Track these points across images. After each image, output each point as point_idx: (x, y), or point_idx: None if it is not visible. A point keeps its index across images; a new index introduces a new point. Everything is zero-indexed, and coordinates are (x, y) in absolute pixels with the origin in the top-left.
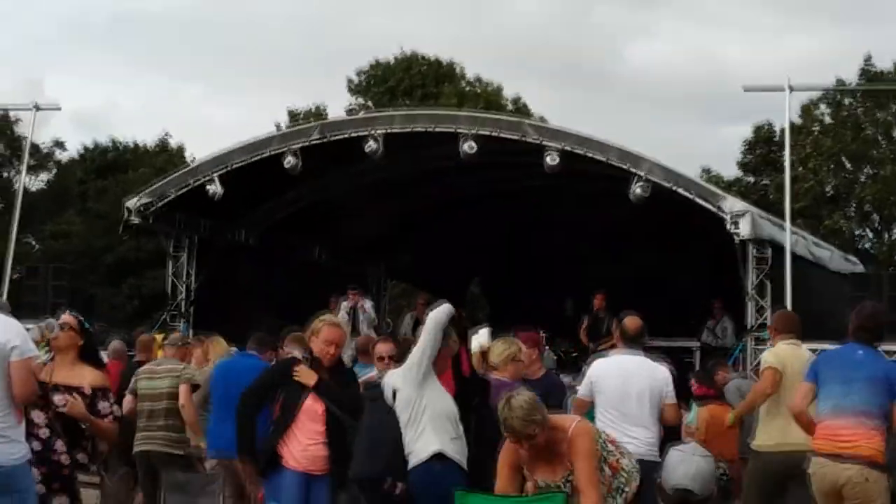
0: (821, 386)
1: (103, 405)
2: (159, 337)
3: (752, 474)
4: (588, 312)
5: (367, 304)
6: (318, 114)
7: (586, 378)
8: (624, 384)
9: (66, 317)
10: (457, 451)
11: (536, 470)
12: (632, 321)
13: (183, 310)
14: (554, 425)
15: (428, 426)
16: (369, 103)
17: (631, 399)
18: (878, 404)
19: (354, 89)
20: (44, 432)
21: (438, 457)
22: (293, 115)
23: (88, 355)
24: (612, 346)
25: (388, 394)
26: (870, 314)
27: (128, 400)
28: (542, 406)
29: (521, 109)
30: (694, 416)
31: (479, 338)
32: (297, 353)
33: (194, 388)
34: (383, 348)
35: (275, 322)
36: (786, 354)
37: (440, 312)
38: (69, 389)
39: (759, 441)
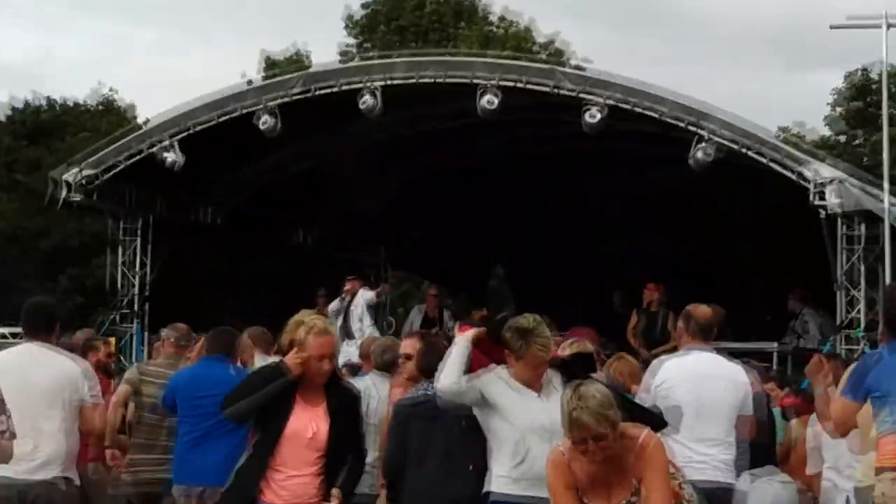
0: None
1: None
2: (103, 346)
3: None
4: (638, 307)
5: (369, 296)
6: (301, 61)
7: (649, 381)
8: (697, 390)
9: None
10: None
11: (594, 493)
12: (702, 310)
13: (135, 308)
14: (622, 432)
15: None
16: (368, 47)
17: (705, 409)
18: None
19: (353, 27)
20: None
21: None
22: (271, 65)
23: None
24: (673, 351)
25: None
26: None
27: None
28: (616, 402)
29: (555, 55)
30: (783, 433)
31: None
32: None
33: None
34: (411, 345)
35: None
36: None
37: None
38: None
39: (863, 475)
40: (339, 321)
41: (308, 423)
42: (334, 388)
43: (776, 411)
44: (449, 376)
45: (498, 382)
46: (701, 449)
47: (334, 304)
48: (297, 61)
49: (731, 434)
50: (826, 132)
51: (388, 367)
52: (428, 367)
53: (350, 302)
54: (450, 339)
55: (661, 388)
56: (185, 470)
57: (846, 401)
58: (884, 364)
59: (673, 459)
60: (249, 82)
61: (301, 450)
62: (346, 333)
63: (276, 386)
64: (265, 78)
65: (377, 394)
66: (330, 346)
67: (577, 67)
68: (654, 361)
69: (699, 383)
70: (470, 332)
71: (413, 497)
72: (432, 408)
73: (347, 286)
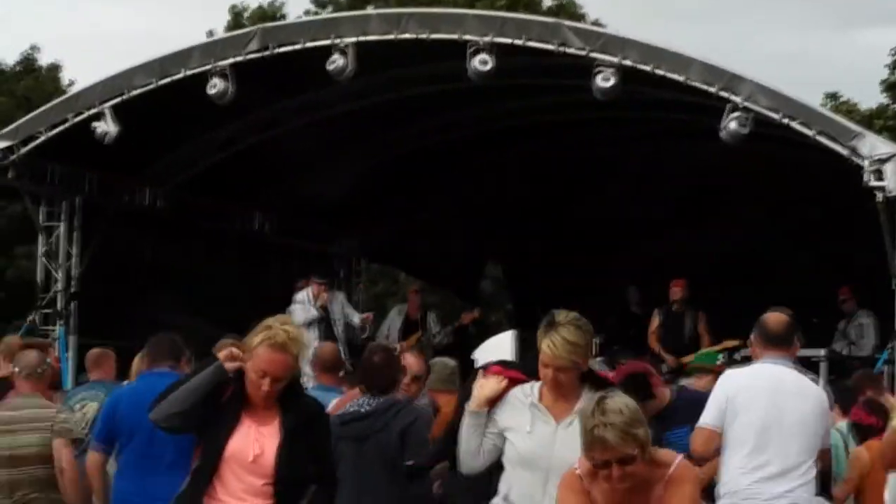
0: None
1: None
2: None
3: None
4: (659, 305)
5: (340, 299)
6: (272, 16)
7: (716, 395)
8: (774, 410)
9: None
10: None
11: None
12: (775, 315)
13: (60, 306)
14: (653, 458)
15: None
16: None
17: (783, 433)
18: None
19: None
20: None
21: None
22: (238, 20)
23: None
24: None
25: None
26: None
27: None
28: (644, 420)
29: (564, 8)
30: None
31: (501, 347)
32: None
33: (75, 442)
34: (415, 364)
35: (196, 327)
36: None
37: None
38: None
39: None
40: (316, 331)
41: (251, 443)
42: (292, 404)
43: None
44: (467, 461)
45: (514, 404)
46: (774, 483)
47: (300, 304)
48: (269, 16)
49: (808, 462)
50: (883, 99)
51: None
52: (375, 381)
53: (326, 310)
54: (434, 347)
55: (732, 403)
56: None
57: None
58: None
59: (730, 495)
60: (210, 33)
61: (243, 475)
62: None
63: (207, 375)
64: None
65: None
66: (279, 367)
67: (593, 24)
68: (722, 376)
69: (777, 402)
70: (485, 392)
71: None
72: (368, 425)
73: (314, 289)
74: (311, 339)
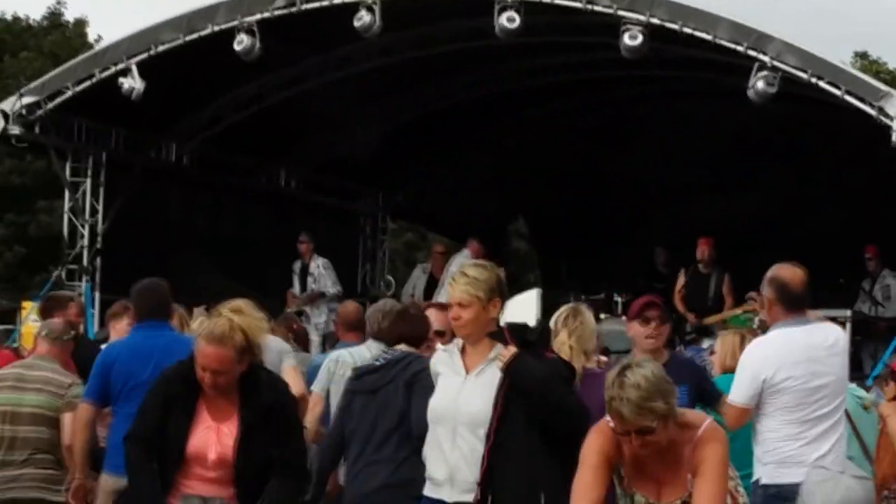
0: None
1: None
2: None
3: None
4: (686, 266)
5: (320, 263)
6: None
7: (750, 374)
8: (812, 376)
9: None
10: None
11: (640, 483)
12: (791, 272)
13: (85, 262)
14: (681, 420)
15: None
16: None
17: (823, 398)
18: None
19: None
20: None
21: None
22: None
23: None
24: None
25: None
26: None
27: None
28: (671, 389)
29: None
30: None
31: (527, 305)
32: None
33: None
34: (438, 320)
35: (224, 282)
36: None
37: None
38: None
39: None
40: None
41: (211, 444)
42: (250, 396)
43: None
44: None
45: (441, 361)
46: (817, 452)
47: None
48: None
49: (842, 418)
50: None
51: (385, 335)
52: (404, 334)
53: (306, 269)
54: None
55: (769, 377)
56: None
57: None
58: None
59: (767, 455)
60: None
61: (204, 472)
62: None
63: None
64: None
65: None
66: (215, 361)
67: None
68: (751, 350)
69: (813, 366)
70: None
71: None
72: (378, 378)
73: (302, 247)
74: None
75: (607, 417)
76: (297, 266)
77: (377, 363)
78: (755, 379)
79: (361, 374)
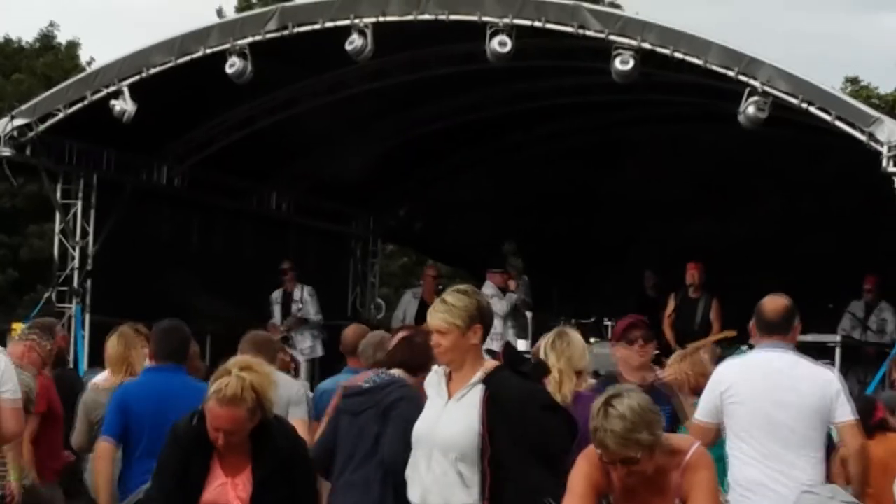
0: None
1: None
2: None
3: None
4: (675, 290)
5: (306, 291)
6: None
7: (711, 389)
8: (772, 397)
9: None
10: None
11: None
12: (771, 300)
13: (76, 284)
14: (668, 446)
15: None
16: None
17: (783, 421)
18: None
19: None
20: None
21: None
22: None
23: None
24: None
25: None
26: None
27: None
28: (657, 419)
29: None
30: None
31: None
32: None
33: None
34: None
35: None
36: None
37: None
38: None
39: None
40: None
41: (229, 498)
42: (263, 451)
43: None
44: None
45: (430, 383)
46: (779, 472)
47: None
48: None
49: (819, 449)
50: None
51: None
52: (405, 360)
53: (290, 297)
54: None
55: (727, 397)
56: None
57: None
58: None
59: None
60: (220, 11)
61: None
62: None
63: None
64: (239, 13)
65: None
66: (227, 422)
67: (612, 6)
68: (716, 369)
69: (775, 390)
70: None
71: None
72: (364, 401)
73: (287, 276)
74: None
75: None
76: (278, 295)
77: (365, 386)
78: (711, 393)
79: (350, 395)
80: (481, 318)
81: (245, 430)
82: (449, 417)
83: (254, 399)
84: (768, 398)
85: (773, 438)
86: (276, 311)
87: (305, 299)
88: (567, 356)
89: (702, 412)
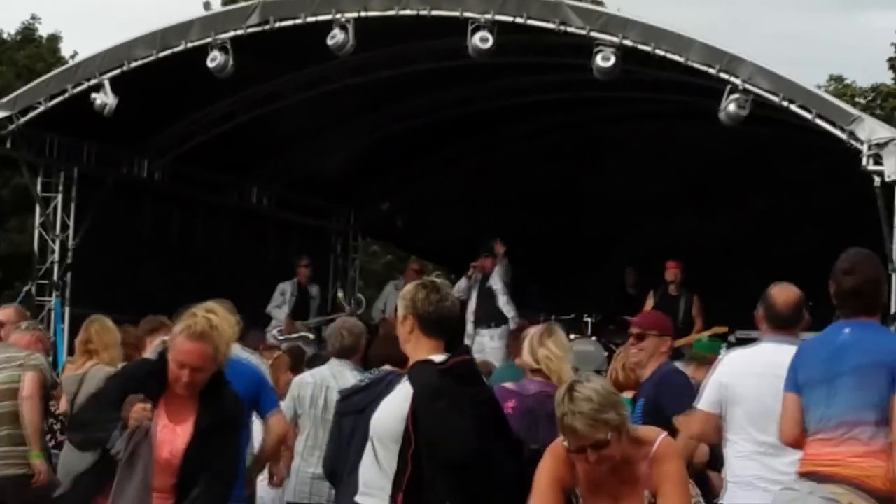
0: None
1: None
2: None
3: None
4: (655, 287)
5: (316, 290)
6: None
7: (714, 379)
8: (775, 390)
9: None
10: None
11: (595, 502)
12: (783, 292)
13: (56, 278)
14: (634, 436)
15: None
16: None
17: (775, 412)
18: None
19: None
20: None
21: None
22: None
23: None
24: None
25: None
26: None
27: None
28: (621, 401)
29: None
30: None
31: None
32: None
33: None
34: None
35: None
36: None
37: None
38: None
39: None
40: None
41: (168, 443)
42: (212, 401)
43: None
44: None
45: None
46: (780, 465)
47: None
48: None
49: None
50: (888, 79)
51: (347, 353)
52: (391, 356)
53: (305, 293)
54: None
55: (729, 388)
56: None
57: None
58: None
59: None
60: (207, 4)
61: (160, 474)
62: None
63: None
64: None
65: (336, 384)
66: (197, 358)
67: (594, 2)
68: (721, 359)
69: (778, 383)
70: None
71: None
72: (364, 397)
73: (304, 270)
74: None
75: (561, 437)
76: (289, 287)
77: (362, 383)
78: (715, 383)
79: (348, 396)
80: (414, 308)
81: (209, 370)
82: (385, 403)
83: (219, 340)
84: (771, 392)
85: (773, 433)
86: (287, 302)
87: (316, 297)
88: (556, 352)
89: (705, 402)
